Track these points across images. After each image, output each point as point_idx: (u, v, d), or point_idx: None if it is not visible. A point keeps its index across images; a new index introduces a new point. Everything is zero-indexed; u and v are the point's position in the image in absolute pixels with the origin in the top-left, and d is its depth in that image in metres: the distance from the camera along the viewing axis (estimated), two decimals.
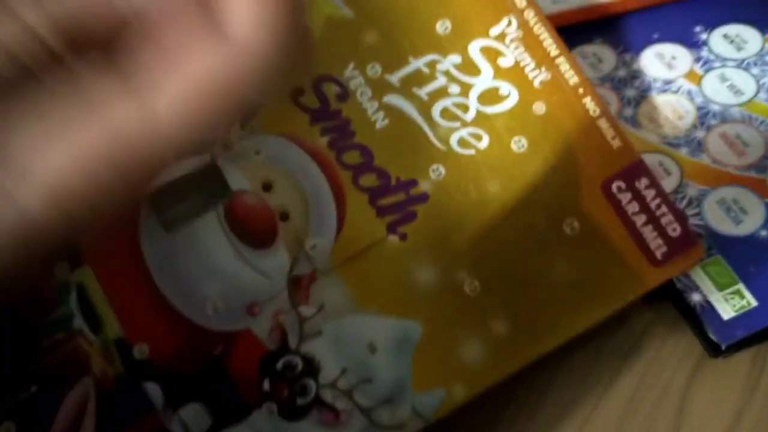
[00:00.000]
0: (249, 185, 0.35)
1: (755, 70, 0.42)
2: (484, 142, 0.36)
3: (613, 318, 0.36)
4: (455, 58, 0.36)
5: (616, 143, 0.36)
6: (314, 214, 0.35)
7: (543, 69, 0.36)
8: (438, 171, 0.35)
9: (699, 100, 0.42)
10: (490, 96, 0.36)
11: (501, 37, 0.37)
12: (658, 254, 0.35)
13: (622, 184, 0.35)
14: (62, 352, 0.32)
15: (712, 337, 0.36)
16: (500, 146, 0.36)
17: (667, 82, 0.43)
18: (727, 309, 0.36)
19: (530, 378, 0.36)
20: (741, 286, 0.37)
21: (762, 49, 0.43)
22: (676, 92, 0.43)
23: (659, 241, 0.35)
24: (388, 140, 0.36)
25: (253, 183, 0.35)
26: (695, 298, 0.37)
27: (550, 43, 0.37)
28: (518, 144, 0.36)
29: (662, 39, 0.44)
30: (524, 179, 0.35)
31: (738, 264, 0.37)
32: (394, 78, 0.36)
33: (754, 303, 0.36)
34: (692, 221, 0.39)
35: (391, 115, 0.36)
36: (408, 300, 0.34)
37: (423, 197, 0.35)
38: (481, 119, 0.36)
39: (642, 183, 0.36)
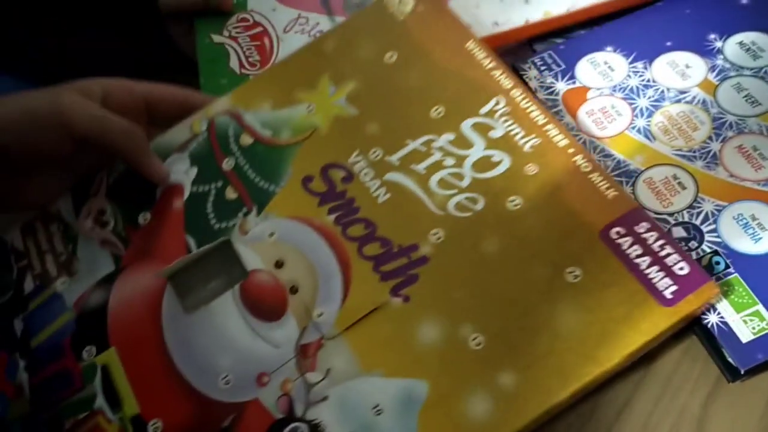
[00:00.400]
0: (262, 264, 0.37)
1: None
2: (480, 204, 0.37)
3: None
4: (449, 136, 0.38)
5: (611, 193, 0.35)
6: (322, 285, 0.36)
7: (533, 136, 0.37)
8: (437, 234, 0.36)
9: (714, 110, 0.38)
10: (484, 163, 0.37)
11: (490, 113, 0.39)
12: (668, 294, 0.32)
13: (622, 230, 0.34)
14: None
15: (731, 360, 0.31)
16: (496, 206, 0.36)
17: (681, 92, 0.39)
18: (745, 331, 0.32)
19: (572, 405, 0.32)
20: (761, 308, 0.32)
21: None
22: (690, 102, 0.39)
23: (667, 280, 0.32)
24: (389, 212, 0.37)
25: (267, 262, 0.37)
26: (712, 319, 0.32)
27: (538, 114, 0.38)
28: (513, 203, 0.36)
29: (675, 47, 0.41)
30: (522, 234, 0.35)
31: (757, 284, 0.32)
32: (394, 158, 0.39)
33: None
34: (709, 238, 0.34)
35: (392, 189, 0.38)
36: (413, 360, 0.34)
37: (423, 260, 0.36)
38: (476, 184, 0.37)
39: (642, 227, 0.34)
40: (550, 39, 0.44)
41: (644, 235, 0.33)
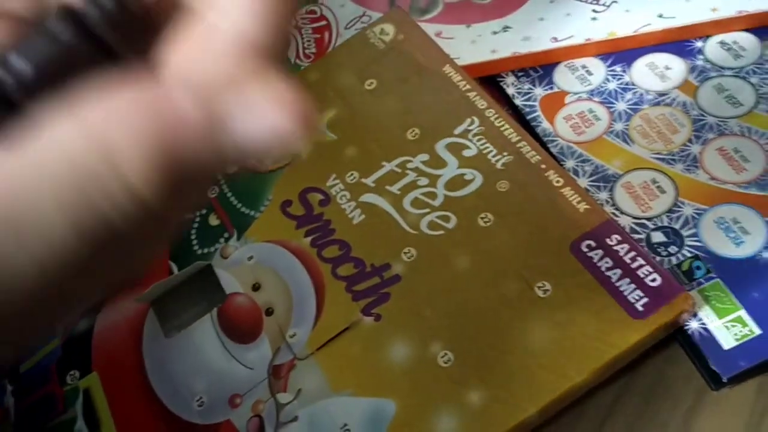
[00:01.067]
0: (240, 287, 0.38)
1: (754, 79, 0.37)
2: (452, 222, 0.36)
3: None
4: (424, 157, 0.39)
5: (582, 207, 0.35)
6: (296, 307, 0.36)
7: (505, 153, 0.37)
8: (410, 253, 0.36)
9: (694, 112, 0.37)
10: (456, 182, 0.37)
11: (464, 133, 0.39)
12: (639, 306, 0.31)
13: (592, 243, 0.33)
14: None
15: (713, 367, 0.30)
16: (468, 224, 0.36)
17: (661, 94, 0.38)
18: (728, 338, 0.30)
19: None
20: (743, 313, 0.31)
21: (761, 56, 0.38)
22: (670, 105, 0.37)
23: (639, 293, 0.31)
24: (364, 233, 0.37)
25: (245, 285, 0.38)
26: (693, 326, 0.31)
27: (511, 132, 0.38)
28: (485, 219, 0.36)
29: (655, 49, 0.40)
30: (492, 250, 0.35)
31: (739, 289, 0.31)
32: (370, 180, 0.39)
33: (757, 331, 0.30)
34: (689, 242, 0.33)
35: (367, 211, 0.38)
36: (382, 379, 0.33)
37: (396, 279, 0.36)
38: (448, 203, 0.37)
39: (613, 239, 0.33)
40: None
41: (615, 248, 0.32)
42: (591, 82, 0.40)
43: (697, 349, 0.31)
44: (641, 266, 0.31)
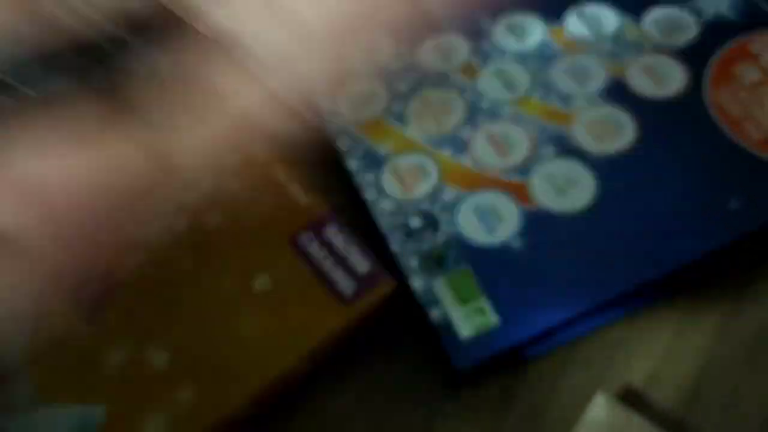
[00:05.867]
0: None
1: (533, 64, 0.38)
2: (181, 226, 0.37)
3: (352, 346, 0.34)
4: None
5: (304, 201, 0.37)
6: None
7: (236, 153, 0.39)
8: (135, 259, 0.37)
9: (471, 96, 0.37)
10: (189, 185, 0.39)
11: None
12: (348, 293, 0.33)
13: (311, 235, 0.35)
14: None
15: (451, 359, 0.30)
16: (196, 225, 0.37)
17: (442, 76, 0.38)
18: (467, 327, 0.31)
19: (271, 412, 0.33)
20: (484, 302, 0.31)
21: (544, 41, 0.39)
22: (449, 87, 0.38)
23: (348, 281, 0.34)
24: None
25: None
26: (435, 314, 0.32)
27: None
28: (214, 219, 0.37)
29: (444, 29, 0.40)
30: (217, 250, 0.36)
31: (486, 277, 0.32)
32: None
33: (496, 321, 0.31)
34: (445, 228, 0.34)
35: None
36: (92, 385, 0.33)
37: (118, 284, 0.36)
38: (179, 205, 0.38)
39: (329, 230, 0.36)
40: None
41: (331, 238, 0.34)
42: (377, 62, 0.40)
43: (438, 345, 0.32)
44: (352, 254, 0.34)
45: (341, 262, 0.34)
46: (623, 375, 0.32)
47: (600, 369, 0.32)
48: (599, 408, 0.29)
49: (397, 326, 0.35)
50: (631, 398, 0.31)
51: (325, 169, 0.40)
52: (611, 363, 0.32)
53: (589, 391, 0.32)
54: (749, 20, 0.38)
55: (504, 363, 0.32)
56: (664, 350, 0.32)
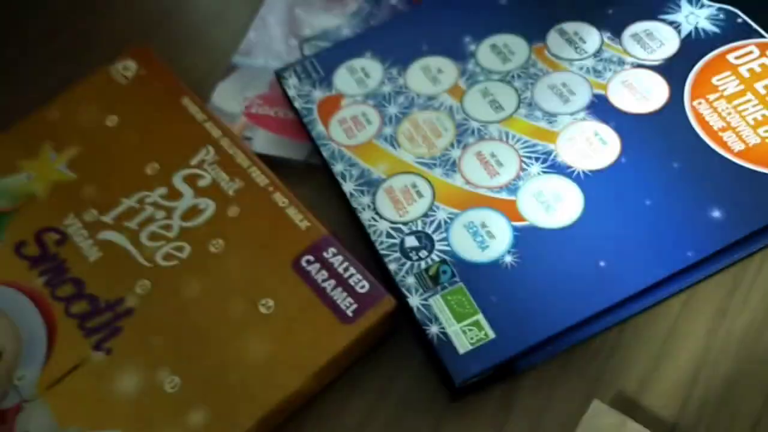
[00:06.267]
0: None
1: (518, 83, 0.39)
2: (186, 252, 0.38)
3: (357, 363, 0.35)
4: (162, 190, 0.41)
5: (304, 224, 0.38)
6: (26, 348, 0.37)
7: (236, 179, 0.40)
8: (144, 285, 0.38)
9: (459, 117, 0.38)
10: (191, 212, 0.39)
11: (200, 163, 0.41)
12: (349, 312, 0.34)
13: (311, 258, 0.36)
14: None
15: (449, 373, 0.31)
16: (200, 251, 0.38)
17: (430, 98, 0.39)
18: (464, 342, 0.32)
19: (277, 429, 0.34)
20: (480, 317, 0.32)
21: (528, 60, 0.40)
22: (437, 109, 0.39)
23: (349, 300, 0.35)
24: (99, 270, 0.38)
25: None
26: (433, 330, 0.33)
27: (243, 158, 0.41)
28: (215, 246, 0.38)
29: (430, 51, 0.41)
30: (222, 274, 0.37)
31: (479, 293, 0.33)
32: (108, 217, 0.40)
33: (492, 335, 0.32)
34: (439, 247, 0.35)
35: (104, 248, 0.39)
36: (109, 411, 0.34)
37: (128, 312, 0.37)
38: (183, 233, 0.39)
39: (329, 252, 0.37)
40: (320, 43, 0.46)
41: (331, 260, 0.35)
42: (368, 85, 0.41)
43: (438, 359, 0.33)
44: (352, 275, 0.35)
45: (342, 283, 0.35)
46: (616, 381, 0.33)
47: (594, 376, 0.34)
48: (595, 414, 0.31)
49: (400, 340, 0.36)
50: (625, 404, 0.33)
51: (321, 193, 0.42)
52: (604, 370, 0.34)
53: (584, 397, 0.33)
54: (727, 32, 0.39)
55: (502, 373, 0.33)
56: (655, 356, 0.34)
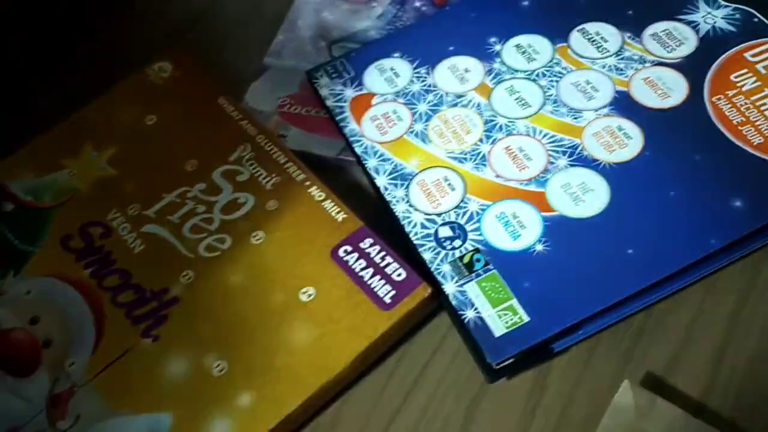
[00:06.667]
0: (18, 322, 0.39)
1: (543, 82, 0.41)
2: (227, 243, 0.40)
3: (396, 348, 0.37)
4: (201, 186, 0.42)
5: (340, 216, 0.40)
6: (76, 336, 0.38)
7: (274, 175, 0.42)
8: (188, 276, 0.40)
9: (487, 113, 0.40)
10: (231, 206, 0.41)
11: (238, 160, 0.43)
12: (387, 299, 0.36)
13: (349, 248, 0.38)
14: None
15: (486, 355, 0.33)
16: (241, 243, 0.40)
17: (459, 96, 0.41)
18: (499, 325, 0.34)
19: (320, 411, 0.36)
20: (514, 302, 0.34)
21: (552, 59, 0.42)
22: (466, 106, 0.41)
23: (387, 287, 0.36)
24: (144, 261, 0.40)
25: (22, 319, 0.39)
26: (469, 315, 0.34)
27: (279, 155, 0.43)
28: (256, 237, 0.40)
29: (457, 52, 0.43)
30: (263, 265, 0.39)
31: (513, 279, 0.34)
32: (151, 212, 0.42)
33: (526, 318, 0.34)
34: (472, 236, 0.37)
35: (147, 240, 0.41)
36: (159, 395, 0.36)
37: (174, 301, 0.39)
38: (224, 226, 0.40)
39: (366, 243, 0.38)
40: (348, 44, 0.48)
41: (368, 250, 0.37)
42: (397, 84, 0.43)
43: (473, 338, 0.34)
44: (389, 264, 0.37)
45: (379, 271, 0.37)
46: (645, 363, 0.35)
47: (622, 358, 0.35)
48: (626, 393, 0.32)
49: (433, 327, 0.38)
50: (654, 384, 0.34)
51: (351, 188, 0.43)
52: (632, 353, 0.35)
53: (614, 378, 0.35)
54: (744, 31, 0.41)
55: (535, 356, 0.35)
56: (681, 339, 0.35)
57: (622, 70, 0.41)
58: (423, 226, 0.38)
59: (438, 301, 0.37)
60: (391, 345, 0.37)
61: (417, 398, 0.36)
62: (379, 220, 0.39)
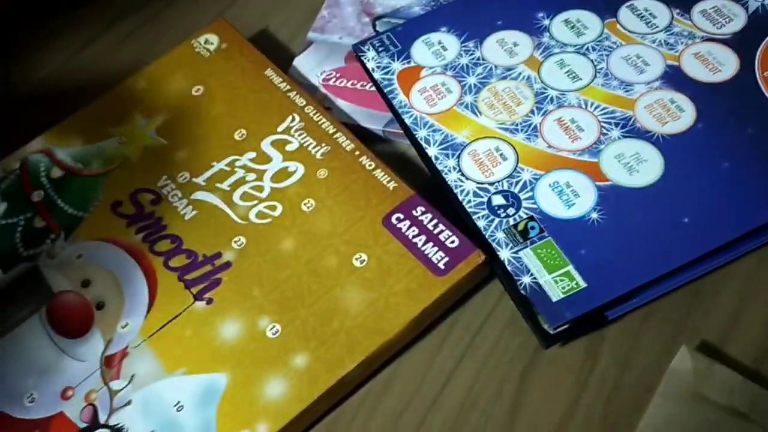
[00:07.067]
0: (69, 285, 0.40)
1: (593, 55, 0.41)
2: (278, 211, 0.40)
3: (448, 315, 0.37)
4: (251, 155, 0.43)
5: (391, 185, 0.40)
6: (128, 299, 0.39)
7: (323, 144, 0.42)
8: (240, 241, 0.40)
9: (537, 86, 0.41)
10: (281, 174, 0.41)
11: (287, 130, 0.43)
12: (441, 265, 0.36)
13: (401, 215, 0.38)
14: None
15: (542, 319, 0.34)
16: (292, 210, 0.40)
17: (508, 69, 0.42)
18: (556, 291, 0.34)
19: (373, 374, 0.36)
20: (570, 268, 0.34)
21: (601, 34, 0.42)
22: (516, 79, 0.41)
23: (440, 254, 0.37)
24: (195, 227, 0.40)
25: (74, 282, 0.40)
26: (526, 280, 0.35)
27: (329, 125, 0.43)
28: (307, 205, 0.41)
29: (505, 26, 0.44)
30: (315, 231, 0.39)
31: (569, 246, 0.35)
32: (200, 179, 0.42)
33: (583, 284, 0.34)
34: (526, 205, 0.37)
35: (198, 207, 0.41)
36: (214, 356, 0.36)
37: (227, 265, 0.39)
38: (274, 194, 0.41)
39: (418, 211, 0.39)
40: (392, 20, 0.49)
41: (420, 218, 0.37)
42: (445, 57, 0.44)
43: (529, 306, 0.35)
44: (442, 231, 0.37)
45: (432, 238, 0.37)
46: (698, 332, 0.35)
47: (675, 327, 0.35)
48: (684, 358, 0.33)
49: (484, 294, 0.38)
50: (707, 352, 0.34)
51: (397, 160, 0.44)
52: (686, 321, 0.35)
53: (667, 346, 0.35)
54: None
55: (590, 323, 0.35)
56: (733, 309, 0.35)
57: (672, 45, 0.41)
58: (475, 194, 0.38)
59: (489, 269, 0.37)
60: (444, 311, 0.37)
61: (470, 363, 0.36)
62: (427, 191, 0.40)
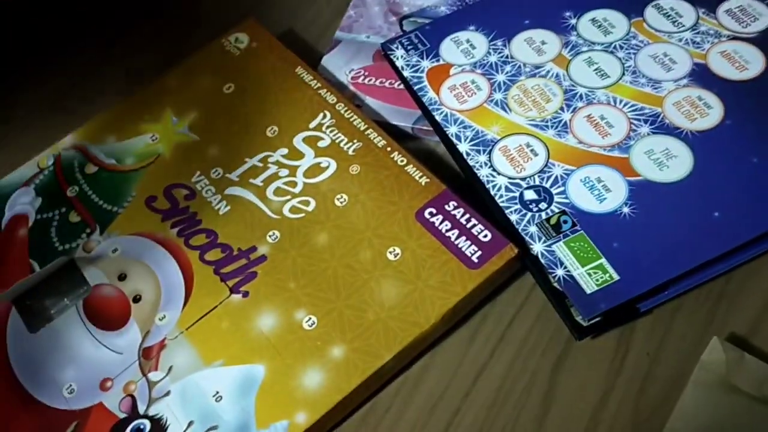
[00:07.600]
0: (106, 278, 0.40)
1: (621, 54, 0.42)
2: (312, 205, 0.41)
3: (480, 307, 0.38)
4: (283, 151, 0.43)
5: (423, 180, 0.41)
6: (165, 292, 0.39)
7: (355, 140, 0.43)
8: (274, 235, 0.40)
9: (566, 83, 0.41)
10: (314, 170, 0.42)
11: (318, 127, 0.44)
12: (474, 258, 0.37)
13: (434, 210, 0.39)
14: None
15: (575, 311, 0.34)
16: (325, 205, 0.41)
17: (537, 67, 0.43)
18: (590, 283, 0.35)
19: (408, 365, 0.37)
20: (603, 261, 0.35)
21: (628, 32, 0.43)
22: (544, 76, 0.42)
23: (473, 248, 0.38)
24: (230, 221, 0.41)
25: (110, 276, 0.40)
26: (559, 273, 0.35)
27: (359, 122, 0.44)
28: (340, 200, 0.41)
29: (533, 25, 0.44)
30: (348, 225, 0.40)
31: (601, 240, 0.35)
32: (234, 175, 0.43)
33: (616, 277, 0.35)
34: (558, 199, 0.38)
35: (232, 202, 0.42)
36: (251, 347, 0.37)
37: (262, 259, 0.40)
38: (307, 189, 0.42)
39: (450, 205, 0.39)
40: (419, 20, 0.50)
41: (453, 212, 0.38)
42: (474, 56, 0.45)
43: (562, 298, 0.36)
44: (474, 225, 0.38)
45: (465, 232, 0.38)
46: (728, 325, 0.36)
47: (705, 320, 0.36)
48: (715, 349, 0.33)
49: (517, 288, 0.38)
50: (736, 345, 0.35)
51: (427, 157, 0.44)
52: (715, 314, 0.36)
53: (698, 338, 0.35)
54: None
55: (622, 315, 0.36)
56: (763, 301, 0.36)
57: (698, 43, 0.42)
58: (507, 189, 0.39)
59: (521, 262, 0.38)
60: (476, 304, 0.38)
61: (503, 355, 0.36)
62: (456, 186, 0.40)
